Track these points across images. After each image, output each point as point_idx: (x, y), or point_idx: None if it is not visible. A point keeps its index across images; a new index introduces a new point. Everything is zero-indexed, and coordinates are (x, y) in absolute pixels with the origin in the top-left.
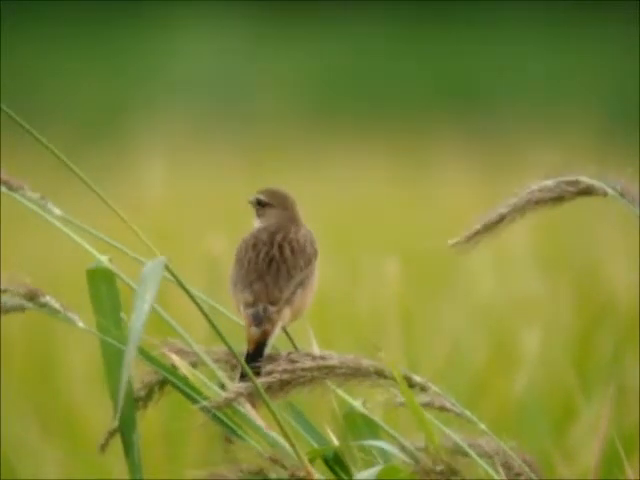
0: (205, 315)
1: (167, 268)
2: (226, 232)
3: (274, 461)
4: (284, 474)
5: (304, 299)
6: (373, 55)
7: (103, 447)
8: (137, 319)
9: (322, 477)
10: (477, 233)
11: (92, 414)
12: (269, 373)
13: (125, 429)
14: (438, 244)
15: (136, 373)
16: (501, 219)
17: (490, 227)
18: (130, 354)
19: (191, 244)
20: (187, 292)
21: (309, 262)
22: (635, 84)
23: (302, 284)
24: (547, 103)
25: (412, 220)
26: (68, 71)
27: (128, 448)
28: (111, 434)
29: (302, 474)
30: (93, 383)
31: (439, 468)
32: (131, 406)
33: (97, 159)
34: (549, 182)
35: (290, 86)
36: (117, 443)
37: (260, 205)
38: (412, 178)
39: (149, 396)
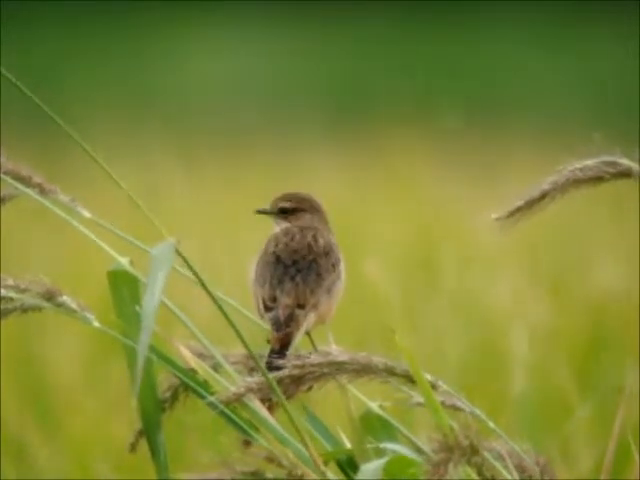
0: (220, 309)
1: (177, 251)
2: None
3: (270, 461)
4: (281, 474)
5: (330, 305)
6: (371, 56)
7: (133, 446)
8: (149, 305)
9: (328, 478)
10: (519, 209)
11: (81, 412)
12: (279, 368)
13: (150, 431)
14: (419, 243)
15: (161, 375)
16: (543, 196)
17: (532, 203)
18: (144, 342)
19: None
20: (200, 280)
21: (334, 267)
22: (628, 85)
23: (329, 290)
24: (543, 103)
25: (397, 220)
26: (86, 68)
27: (154, 449)
28: (140, 434)
29: (300, 473)
30: (83, 380)
31: (465, 443)
32: (156, 408)
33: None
34: (589, 161)
35: (298, 88)
36: (106, 442)
37: (286, 213)
38: (400, 178)
39: (175, 397)
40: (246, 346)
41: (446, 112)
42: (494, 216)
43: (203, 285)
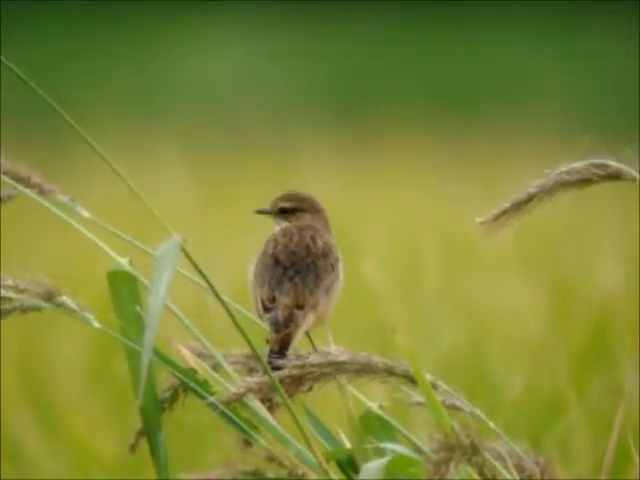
0: (227, 309)
1: (183, 249)
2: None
3: (270, 460)
4: (282, 473)
5: (328, 305)
6: (372, 56)
7: (133, 447)
8: (154, 306)
9: (330, 478)
10: (505, 212)
11: (82, 414)
12: (279, 368)
13: (150, 430)
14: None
15: (161, 375)
16: (530, 199)
17: (519, 206)
18: (149, 345)
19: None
20: (206, 280)
21: (333, 267)
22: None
23: (327, 290)
24: (543, 103)
25: (396, 220)
26: (87, 68)
27: (154, 449)
28: (140, 434)
29: (300, 473)
30: (85, 382)
31: (466, 443)
32: (156, 408)
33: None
34: (577, 164)
35: (298, 88)
36: (105, 443)
37: (286, 213)
38: (400, 178)
39: (174, 397)
40: (251, 346)
41: (446, 112)
42: (478, 220)
43: (210, 285)
